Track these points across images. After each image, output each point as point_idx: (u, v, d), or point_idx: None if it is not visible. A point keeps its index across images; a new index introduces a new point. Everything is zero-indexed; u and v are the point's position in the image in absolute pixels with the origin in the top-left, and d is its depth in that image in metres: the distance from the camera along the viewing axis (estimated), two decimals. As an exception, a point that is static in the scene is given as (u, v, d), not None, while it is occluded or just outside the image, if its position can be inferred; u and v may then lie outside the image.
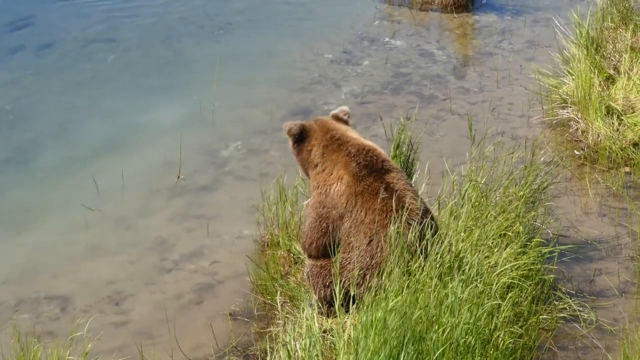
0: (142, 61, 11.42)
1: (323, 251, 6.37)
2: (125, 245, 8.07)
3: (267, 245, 7.70)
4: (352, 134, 6.56)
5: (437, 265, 5.90)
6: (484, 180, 7.20)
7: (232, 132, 9.80)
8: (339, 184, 6.30)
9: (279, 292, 6.92)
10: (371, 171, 6.26)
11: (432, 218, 6.31)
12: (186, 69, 11.22)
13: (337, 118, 6.66)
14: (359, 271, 6.11)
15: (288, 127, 6.52)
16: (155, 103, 10.36)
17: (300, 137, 6.49)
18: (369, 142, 6.51)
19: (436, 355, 5.50)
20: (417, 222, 6.08)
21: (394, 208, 6.07)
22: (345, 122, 6.65)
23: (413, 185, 6.62)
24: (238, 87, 10.71)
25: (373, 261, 6.10)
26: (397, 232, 5.95)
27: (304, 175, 6.78)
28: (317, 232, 6.35)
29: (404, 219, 6.01)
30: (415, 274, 5.81)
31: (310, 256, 6.46)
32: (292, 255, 7.40)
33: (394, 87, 10.76)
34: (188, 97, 10.43)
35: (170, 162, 9.11)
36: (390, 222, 6.06)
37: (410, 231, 6.02)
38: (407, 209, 6.06)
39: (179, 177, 8.97)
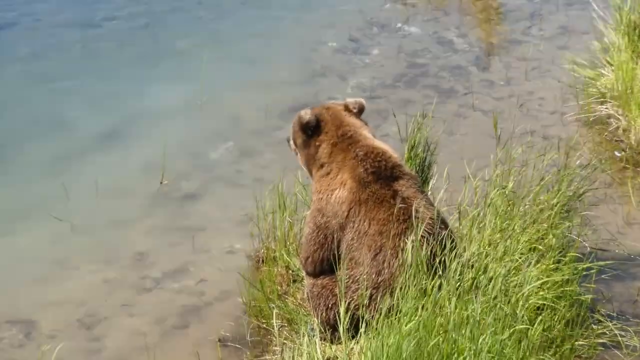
0: (119, 50, 11.45)
1: (321, 267, 6.37)
2: (98, 262, 8.05)
3: (262, 261, 7.69)
4: (366, 132, 6.56)
5: (457, 284, 5.89)
6: (511, 186, 7.18)
7: (223, 131, 9.81)
8: (341, 189, 6.31)
9: (275, 315, 6.87)
10: (378, 177, 6.28)
11: (450, 230, 6.30)
12: (170, 58, 11.24)
13: (347, 109, 6.67)
14: (366, 290, 6.10)
15: (304, 118, 6.52)
16: (134, 97, 10.38)
17: (314, 130, 6.54)
18: (380, 145, 6.51)
19: (456, 387, 5.49)
20: (431, 234, 6.07)
21: (401, 217, 6.06)
22: (354, 115, 6.66)
23: (428, 193, 6.61)
24: (229, 80, 10.72)
25: (380, 278, 6.09)
26: (408, 244, 5.93)
27: (306, 173, 6.79)
28: (313, 244, 6.35)
29: (416, 229, 5.99)
30: (431, 293, 5.80)
31: (308, 273, 6.46)
32: (290, 272, 7.39)
33: (408, 79, 10.76)
34: (172, 91, 10.44)
35: (151, 165, 9.11)
36: (399, 234, 6.06)
37: (422, 243, 6.00)
38: (418, 218, 6.06)
39: (161, 182, 8.98)
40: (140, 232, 8.40)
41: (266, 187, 7.88)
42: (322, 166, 6.49)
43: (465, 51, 11.38)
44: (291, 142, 6.79)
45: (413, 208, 6.10)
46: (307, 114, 6.55)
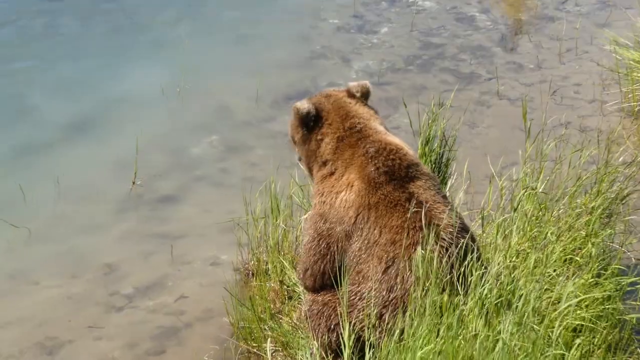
0: (84, 26, 11.45)
1: (322, 281, 6.36)
2: (60, 275, 8.04)
3: (252, 274, 7.69)
4: (376, 124, 6.55)
5: (481, 302, 5.88)
6: (542, 187, 7.17)
7: (206, 123, 9.82)
8: (348, 192, 6.29)
9: (268, 338, 6.87)
10: (392, 178, 6.26)
11: (473, 238, 6.29)
12: (144, 36, 11.26)
13: (351, 95, 6.65)
14: (374, 309, 6.09)
15: (302, 109, 6.50)
16: (102, 82, 10.40)
17: (315, 122, 6.53)
18: (394, 139, 6.50)
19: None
20: (451, 244, 6.06)
21: (417, 224, 6.06)
22: (360, 102, 6.66)
23: (448, 196, 6.60)
24: (214, 62, 10.74)
25: (391, 295, 6.08)
26: (424, 255, 5.92)
27: (306, 172, 6.78)
28: (313, 254, 6.35)
29: (433, 238, 5.98)
30: (451, 313, 5.79)
31: (307, 288, 6.46)
32: (285, 287, 7.38)
33: (421, 62, 10.78)
34: (146, 75, 10.46)
35: (122, 162, 9.11)
36: (414, 244, 6.04)
37: (441, 254, 5.99)
38: (437, 225, 6.04)
39: (134, 182, 8.98)
40: (109, 240, 8.39)
41: (256, 188, 7.87)
42: (324, 164, 6.47)
43: (488, 29, 11.39)
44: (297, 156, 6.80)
45: (431, 213, 6.09)
46: (304, 105, 6.52)
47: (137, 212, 8.72)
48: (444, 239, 6.08)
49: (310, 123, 6.52)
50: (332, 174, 6.43)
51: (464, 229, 6.27)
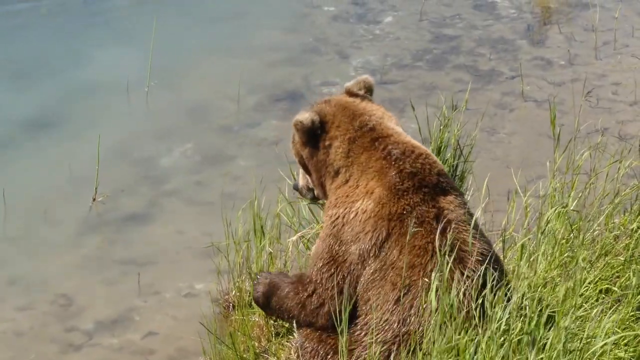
0: (34, 11, 11.44)
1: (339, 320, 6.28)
2: (7, 308, 8.04)
3: (233, 307, 7.70)
4: (392, 124, 6.58)
5: (501, 338, 5.91)
6: (574, 204, 7.19)
7: (178, 128, 9.86)
8: (365, 200, 6.29)
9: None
10: (420, 186, 6.24)
11: (502, 270, 6.29)
12: (107, 24, 11.27)
13: (352, 94, 6.68)
14: (382, 345, 6.10)
15: (305, 121, 6.46)
16: (58, 77, 10.45)
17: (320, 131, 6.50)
18: (418, 143, 6.52)
19: None
20: (478, 274, 6.03)
21: (444, 248, 6.00)
22: (365, 99, 6.68)
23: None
24: (189, 56, 10.75)
25: (403, 329, 6.06)
26: (440, 282, 5.92)
27: (321, 194, 6.76)
28: (331, 287, 6.32)
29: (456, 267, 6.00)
30: (466, 351, 5.83)
31: (310, 324, 6.45)
32: (272, 322, 7.35)
33: (432, 58, 10.79)
34: (109, 69, 10.52)
35: (80, 174, 9.14)
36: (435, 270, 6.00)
37: (466, 284, 6.00)
38: (464, 251, 6.04)
39: (94, 199, 9.01)
40: (65, 266, 8.39)
41: (238, 206, 7.84)
42: (337, 173, 6.46)
43: (512, 18, 11.42)
44: (300, 182, 6.80)
45: (459, 237, 6.09)
46: (305, 116, 6.49)
47: (97, 233, 8.73)
48: (472, 270, 6.09)
49: (317, 135, 6.50)
50: (346, 181, 6.41)
51: (495, 261, 6.25)
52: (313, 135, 6.48)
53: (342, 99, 6.63)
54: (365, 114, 6.49)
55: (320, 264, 6.33)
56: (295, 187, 6.88)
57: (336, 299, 6.25)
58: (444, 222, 6.13)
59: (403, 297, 6.08)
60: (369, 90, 6.72)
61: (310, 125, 6.44)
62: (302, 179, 6.82)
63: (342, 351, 6.10)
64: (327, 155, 6.46)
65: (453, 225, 6.14)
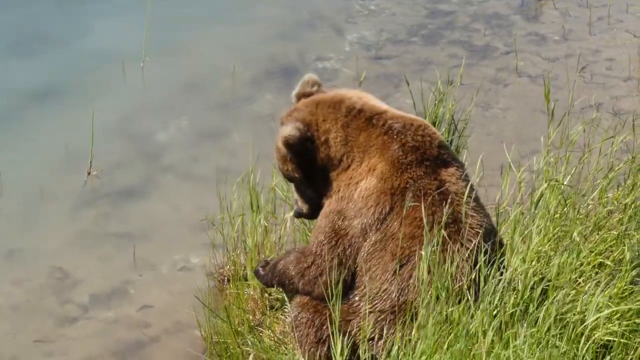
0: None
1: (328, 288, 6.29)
2: (3, 281, 8.04)
3: (228, 280, 7.71)
4: (376, 100, 6.56)
5: (494, 311, 5.93)
6: (568, 179, 7.21)
7: (174, 103, 9.85)
8: (368, 178, 6.31)
9: (246, 354, 6.89)
10: (422, 158, 6.27)
11: (501, 243, 6.31)
12: (104, 1, 11.23)
13: (306, 95, 6.65)
14: (379, 315, 6.15)
15: (291, 136, 6.34)
16: (51, 51, 10.42)
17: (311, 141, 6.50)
18: (412, 115, 6.51)
19: None
20: (476, 247, 6.05)
21: (442, 220, 6.04)
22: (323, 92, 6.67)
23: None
24: (184, 31, 10.71)
25: (401, 299, 6.08)
26: (435, 255, 5.94)
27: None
28: (330, 258, 6.33)
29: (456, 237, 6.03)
30: (458, 323, 5.84)
31: (308, 293, 6.44)
32: (267, 295, 7.40)
33: (427, 33, 10.77)
34: (104, 44, 10.48)
35: (75, 150, 9.14)
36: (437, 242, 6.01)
37: (461, 256, 6.02)
38: (464, 223, 6.06)
39: (89, 173, 9.01)
40: (60, 240, 8.40)
41: (233, 180, 7.87)
42: (340, 161, 6.44)
43: (506, -6, 11.43)
44: (299, 204, 6.72)
45: (460, 209, 6.11)
46: (289, 130, 6.40)
47: (93, 208, 8.74)
48: (470, 240, 6.13)
49: (308, 141, 6.42)
50: (348, 166, 6.41)
51: (494, 234, 6.29)
52: (304, 144, 6.43)
53: (307, 100, 6.59)
54: (345, 99, 6.47)
55: (322, 237, 6.35)
56: (298, 214, 6.81)
57: (335, 270, 6.26)
58: (445, 194, 6.15)
59: (402, 267, 6.10)
60: (318, 86, 6.67)
61: (299, 133, 6.37)
62: (299, 200, 6.73)
63: (335, 320, 6.11)
64: (328, 150, 6.44)
65: (455, 197, 6.17)
